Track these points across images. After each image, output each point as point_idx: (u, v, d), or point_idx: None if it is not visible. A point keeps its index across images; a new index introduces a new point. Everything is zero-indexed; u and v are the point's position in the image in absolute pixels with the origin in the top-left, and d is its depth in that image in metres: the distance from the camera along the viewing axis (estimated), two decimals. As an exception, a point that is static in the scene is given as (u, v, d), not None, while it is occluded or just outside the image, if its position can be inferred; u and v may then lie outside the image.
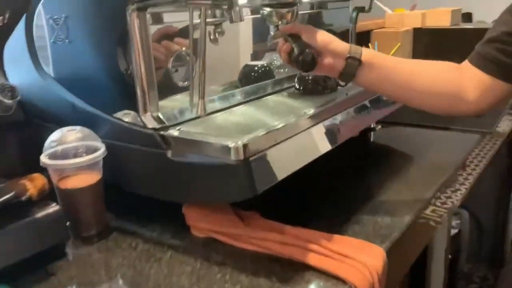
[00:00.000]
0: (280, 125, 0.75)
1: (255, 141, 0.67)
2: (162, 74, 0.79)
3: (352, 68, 0.73)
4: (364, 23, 1.93)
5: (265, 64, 1.08)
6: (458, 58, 1.96)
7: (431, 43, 2.02)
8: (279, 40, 0.83)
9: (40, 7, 0.88)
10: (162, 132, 0.72)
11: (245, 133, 0.70)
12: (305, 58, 0.74)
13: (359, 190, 0.92)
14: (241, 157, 0.65)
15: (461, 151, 1.14)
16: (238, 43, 1.06)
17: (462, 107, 0.73)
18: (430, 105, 0.75)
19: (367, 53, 0.74)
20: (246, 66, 1.07)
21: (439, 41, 2.01)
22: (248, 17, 0.93)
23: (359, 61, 0.73)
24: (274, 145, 0.72)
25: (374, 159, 1.10)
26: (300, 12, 1.09)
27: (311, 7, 1.13)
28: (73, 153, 0.76)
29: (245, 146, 0.65)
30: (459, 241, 1.80)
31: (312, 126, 0.82)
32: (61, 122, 0.85)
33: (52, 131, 0.81)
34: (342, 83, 0.90)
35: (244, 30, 1.03)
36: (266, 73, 1.07)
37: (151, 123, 0.74)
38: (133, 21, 0.70)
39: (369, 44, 1.87)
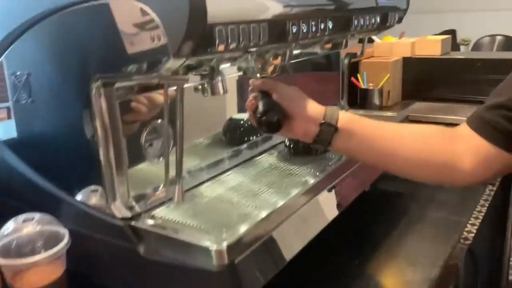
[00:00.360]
0: (275, 206, 0.66)
1: (243, 238, 0.58)
2: (135, 149, 0.69)
3: (327, 135, 0.66)
4: (352, 53, 1.86)
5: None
6: (449, 87, 1.92)
7: (421, 73, 1.95)
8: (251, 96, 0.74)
9: (3, 61, 0.78)
10: (133, 223, 0.62)
11: (232, 221, 0.61)
12: (269, 119, 0.65)
13: (358, 262, 0.82)
14: (225, 261, 0.55)
15: (464, 202, 1.06)
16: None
17: (456, 177, 0.65)
18: (418, 174, 0.67)
19: (344, 118, 0.66)
20: (231, 120, 0.98)
21: (429, 71, 1.95)
22: (233, 75, 0.84)
23: (335, 127, 0.65)
24: (266, 234, 0.62)
25: (374, 217, 1.01)
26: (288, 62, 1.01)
27: (299, 54, 1.04)
28: (30, 246, 0.65)
29: (229, 247, 0.55)
30: (457, 277, 1.73)
31: (310, 200, 0.73)
32: (17, 199, 0.74)
33: (7, 210, 0.70)
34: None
35: (230, 80, 0.94)
36: (253, 127, 0.98)
37: (120, 212, 0.64)
38: (98, 98, 0.60)
39: (358, 75, 1.80)
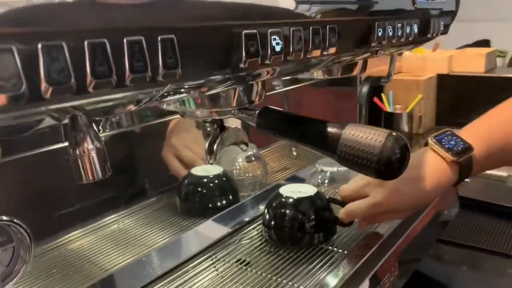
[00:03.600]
0: None
1: None
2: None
3: (467, 169, 0.52)
4: (375, 68, 1.53)
5: (221, 173, 0.66)
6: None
7: (460, 94, 1.62)
8: None
9: None
10: None
11: None
12: None
13: None
14: None
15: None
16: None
17: None
18: None
19: (470, 138, 0.53)
20: (190, 176, 0.66)
21: (470, 91, 1.60)
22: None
23: (470, 156, 0.52)
24: None
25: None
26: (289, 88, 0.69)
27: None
28: None
29: None
30: None
31: None
32: None
33: None
34: (345, 224, 0.52)
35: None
36: (221, 187, 0.66)
37: None
38: None
39: (382, 94, 1.47)
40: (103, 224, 0.60)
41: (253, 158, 0.72)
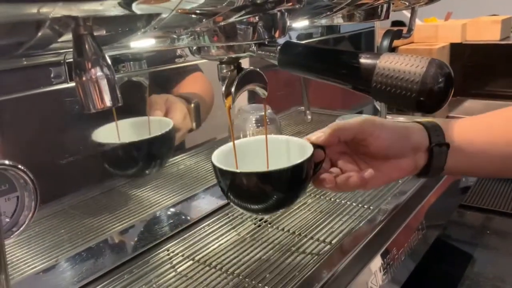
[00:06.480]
0: None
1: None
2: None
3: (440, 159, 0.47)
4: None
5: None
6: (510, 81, 1.51)
7: (474, 63, 1.57)
8: None
9: None
10: None
11: None
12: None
13: None
14: None
15: None
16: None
17: None
18: None
19: (449, 129, 0.47)
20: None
21: (485, 60, 1.55)
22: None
23: (447, 145, 0.47)
24: None
25: None
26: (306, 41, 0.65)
27: (321, 33, 0.68)
28: None
29: None
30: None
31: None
32: None
33: None
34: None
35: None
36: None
37: None
38: None
39: (394, 65, 1.42)
40: (115, 186, 0.57)
41: (268, 121, 0.68)
